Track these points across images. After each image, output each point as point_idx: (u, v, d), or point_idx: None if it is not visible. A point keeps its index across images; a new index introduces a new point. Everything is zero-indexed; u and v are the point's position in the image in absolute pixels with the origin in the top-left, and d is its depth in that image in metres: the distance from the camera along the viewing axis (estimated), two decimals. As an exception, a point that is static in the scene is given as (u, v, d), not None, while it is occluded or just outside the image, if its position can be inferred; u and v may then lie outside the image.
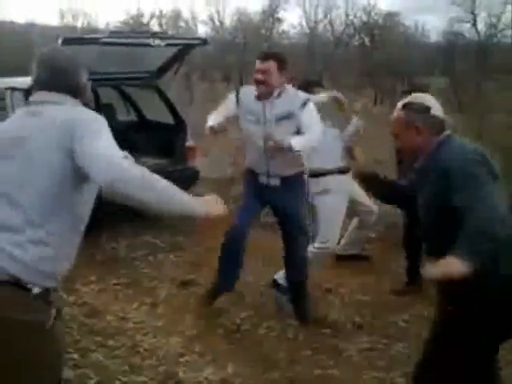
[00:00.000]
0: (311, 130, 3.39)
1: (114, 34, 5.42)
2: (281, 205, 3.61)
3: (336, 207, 4.05)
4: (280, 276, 3.93)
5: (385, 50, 19.57)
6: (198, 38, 6.32)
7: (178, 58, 5.81)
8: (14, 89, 5.67)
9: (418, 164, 2.19)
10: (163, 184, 1.64)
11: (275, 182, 3.55)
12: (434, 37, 27.72)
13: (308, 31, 21.95)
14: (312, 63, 18.66)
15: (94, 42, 5.11)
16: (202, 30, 25.27)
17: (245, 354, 3.24)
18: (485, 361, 2.09)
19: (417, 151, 2.16)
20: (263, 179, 3.58)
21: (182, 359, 3.17)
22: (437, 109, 2.16)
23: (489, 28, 21.10)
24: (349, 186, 4.09)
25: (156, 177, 1.64)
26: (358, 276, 4.32)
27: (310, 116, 3.42)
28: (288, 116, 3.39)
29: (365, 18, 21.21)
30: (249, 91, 3.57)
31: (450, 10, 31.97)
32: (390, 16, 21.19)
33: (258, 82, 3.44)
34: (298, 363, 3.13)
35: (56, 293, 1.77)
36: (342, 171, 4.11)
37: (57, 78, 1.93)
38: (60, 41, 4.65)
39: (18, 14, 52.13)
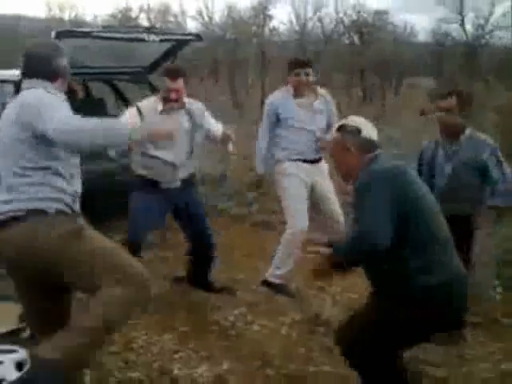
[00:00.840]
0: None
1: (107, 28, 5.38)
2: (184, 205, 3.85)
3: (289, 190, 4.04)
4: (270, 274, 3.97)
5: (374, 48, 19.65)
6: (193, 34, 6.29)
7: (171, 53, 5.79)
8: (3, 81, 5.62)
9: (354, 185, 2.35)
10: (93, 122, 2.16)
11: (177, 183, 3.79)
12: (423, 37, 27.89)
13: (298, 28, 21.96)
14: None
15: (87, 35, 5.07)
16: (192, 25, 25.19)
17: (239, 350, 3.25)
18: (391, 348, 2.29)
19: (349, 171, 2.36)
20: (165, 184, 3.77)
21: (176, 355, 3.18)
22: (368, 130, 2.36)
23: (476, 29, 21.27)
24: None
25: (89, 120, 2.16)
26: (348, 275, 4.34)
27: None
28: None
29: (354, 17, 21.27)
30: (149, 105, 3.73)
31: (438, 10, 32.24)
32: (379, 14, 21.26)
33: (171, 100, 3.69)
34: (292, 360, 3.15)
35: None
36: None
37: (33, 66, 2.39)
38: (53, 34, 4.60)
39: (5, 6, 51.46)
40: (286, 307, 3.81)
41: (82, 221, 2.38)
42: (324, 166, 4.15)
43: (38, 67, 2.39)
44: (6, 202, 2.24)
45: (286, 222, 4.08)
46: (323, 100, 4.11)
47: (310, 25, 21.31)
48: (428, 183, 2.77)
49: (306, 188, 4.04)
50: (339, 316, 3.64)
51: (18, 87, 5.03)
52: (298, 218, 3.97)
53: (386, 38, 20.91)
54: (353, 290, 4.09)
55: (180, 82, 3.65)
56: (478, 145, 3.42)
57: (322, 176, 4.11)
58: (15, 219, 2.21)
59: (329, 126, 3.94)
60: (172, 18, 25.16)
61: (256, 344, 3.32)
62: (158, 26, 20.86)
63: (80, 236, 2.25)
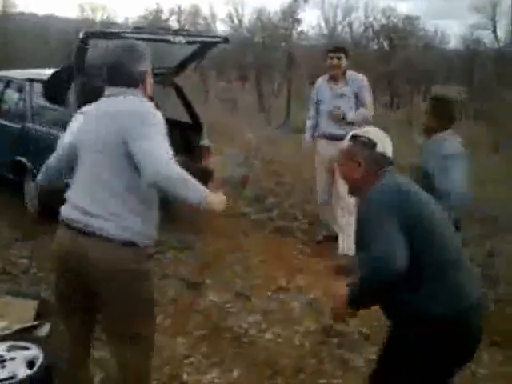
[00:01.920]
0: None
1: (136, 29, 5.41)
2: None
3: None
4: None
5: (403, 54, 19.44)
6: (219, 37, 6.30)
7: (198, 55, 5.81)
8: (32, 80, 5.71)
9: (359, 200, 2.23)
10: (193, 182, 2.05)
11: None
12: (454, 43, 27.50)
13: (326, 32, 21.87)
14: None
15: (115, 36, 5.12)
16: (221, 28, 25.28)
17: (250, 358, 3.23)
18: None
19: (355, 185, 2.21)
20: None
21: (186, 361, 3.17)
22: (382, 145, 2.17)
23: (509, 35, 20.87)
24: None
25: (188, 177, 2.04)
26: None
27: None
28: None
29: (384, 21, 21.08)
30: None
31: (470, 17, 31.69)
32: (410, 20, 21.05)
33: None
34: (303, 371, 3.12)
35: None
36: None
37: (114, 73, 2.23)
38: (81, 34, 4.66)
39: (38, 6, 52.48)
40: (301, 316, 3.77)
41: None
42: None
43: (124, 72, 2.23)
44: (105, 219, 2.12)
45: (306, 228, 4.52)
46: (351, 82, 4.78)
47: (339, 29, 21.20)
48: None
49: (327, 161, 4.87)
50: (353, 328, 3.61)
51: (46, 86, 5.13)
52: (319, 192, 5.13)
53: (415, 44, 20.68)
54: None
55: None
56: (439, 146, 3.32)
57: None
58: (104, 238, 2.13)
59: (357, 103, 4.79)
60: (202, 21, 25.33)
61: (268, 353, 3.30)
62: (187, 28, 21.00)
63: (148, 278, 2.27)
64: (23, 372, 2.65)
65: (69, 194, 2.27)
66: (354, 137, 2.21)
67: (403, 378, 2.06)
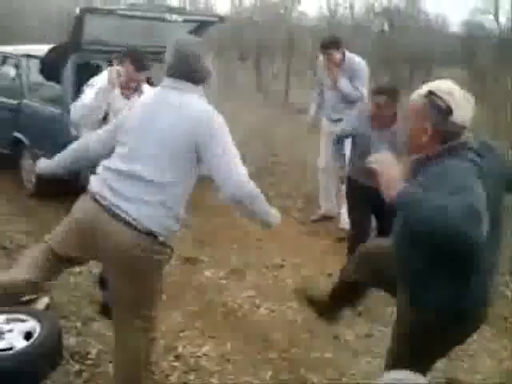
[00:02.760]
0: None
1: (132, 6, 5.39)
2: None
3: None
4: None
5: (404, 37, 19.29)
6: (215, 16, 6.28)
7: (195, 34, 5.79)
8: (29, 56, 5.70)
9: (413, 161, 1.93)
10: (263, 201, 2.20)
11: None
12: (455, 28, 27.28)
13: (327, 14, 21.66)
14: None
15: (111, 13, 5.10)
16: (221, 7, 25.04)
17: (244, 333, 3.29)
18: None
19: (413, 146, 1.92)
20: None
21: (182, 334, 3.23)
22: (461, 113, 1.82)
23: (510, 20, 20.70)
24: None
25: (260, 195, 2.18)
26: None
27: None
28: None
29: (386, 3, 20.88)
30: None
31: (471, 1, 31.51)
32: (412, 2, 20.85)
33: None
34: (296, 345, 3.18)
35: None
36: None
37: (180, 66, 2.24)
38: (78, 11, 4.64)
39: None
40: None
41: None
42: None
43: (192, 69, 2.25)
44: (135, 205, 2.16)
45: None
46: (347, 69, 4.77)
47: (340, 10, 21.00)
48: None
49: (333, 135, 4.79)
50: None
51: (42, 63, 5.12)
52: (321, 157, 5.28)
53: (416, 27, 20.50)
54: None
55: (142, 76, 3.49)
56: None
57: None
58: (137, 228, 2.16)
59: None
60: (202, 0, 25.05)
61: (261, 327, 3.36)
62: (186, 7, 20.80)
63: (159, 268, 2.28)
64: (20, 343, 2.70)
65: (103, 170, 2.28)
66: (429, 94, 1.85)
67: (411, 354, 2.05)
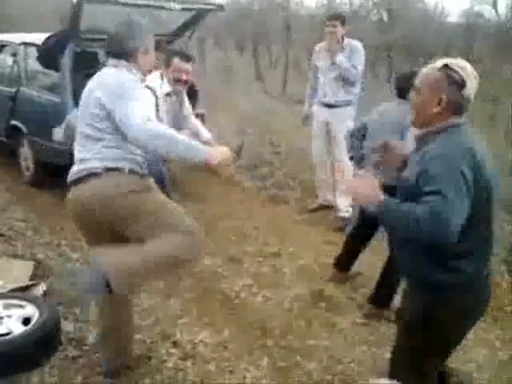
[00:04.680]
0: None
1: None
2: None
3: None
4: None
5: (402, 26, 19.20)
6: (214, 4, 6.25)
7: (193, 22, 5.78)
8: (26, 44, 5.67)
9: (420, 133, 2.03)
10: (174, 135, 2.24)
11: None
12: (454, 17, 27.18)
13: (325, 2, 21.54)
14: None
15: (109, 1, 5.09)
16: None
17: (241, 320, 3.32)
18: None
19: (424, 117, 1.99)
20: None
21: (179, 321, 3.26)
22: (471, 88, 1.93)
23: (509, 10, 20.61)
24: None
25: (171, 131, 2.25)
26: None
27: None
28: None
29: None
30: None
31: (471, -10, 31.27)
32: (410, -9, 20.74)
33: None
34: (292, 333, 3.21)
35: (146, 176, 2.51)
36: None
37: (112, 46, 2.46)
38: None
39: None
40: (291, 281, 3.85)
41: (150, 181, 2.58)
42: (342, 111, 4.91)
43: (118, 47, 2.46)
44: (82, 161, 2.41)
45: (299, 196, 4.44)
46: (346, 49, 4.81)
47: (338, -1, 20.88)
48: None
49: (323, 126, 5.05)
50: (342, 293, 3.70)
51: (40, 51, 5.11)
52: (315, 153, 5.24)
53: (414, 16, 20.41)
54: (359, 267, 4.12)
55: (190, 66, 3.83)
56: None
57: (337, 120, 4.92)
58: (91, 175, 2.37)
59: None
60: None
61: (258, 315, 3.39)
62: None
63: (149, 191, 2.45)
64: (19, 328, 2.72)
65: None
66: (444, 67, 1.94)
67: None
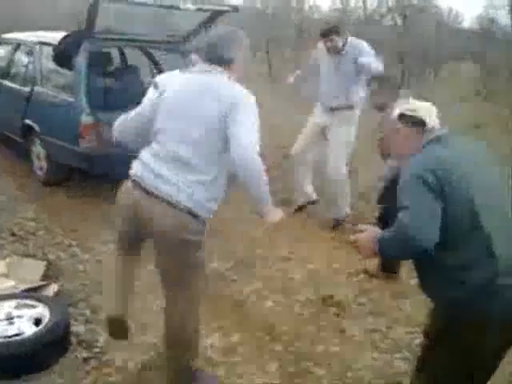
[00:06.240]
0: None
1: (145, -5, 5.38)
2: None
3: None
4: None
5: (416, 31, 19.12)
6: (229, 5, 6.26)
7: (207, 23, 5.78)
8: (42, 43, 5.71)
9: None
10: (264, 183, 2.30)
11: None
12: (468, 23, 27.00)
13: (340, 6, 21.52)
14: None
15: (126, 1, 5.11)
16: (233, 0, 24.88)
17: (250, 325, 3.31)
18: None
19: (402, 155, 2.13)
20: None
21: (188, 324, 3.24)
22: (432, 117, 2.10)
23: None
24: None
25: (261, 176, 2.27)
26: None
27: None
28: None
29: (399, -4, 20.70)
30: None
31: (486, -4, 31.09)
32: (424, -4, 20.65)
33: None
34: (302, 338, 3.19)
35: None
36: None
37: (211, 52, 2.44)
38: (91, -1, 4.64)
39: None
40: (301, 285, 3.84)
41: None
42: (345, 113, 4.82)
43: (218, 53, 2.44)
44: (166, 182, 2.31)
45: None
46: (350, 49, 4.68)
47: (352, 3, 20.87)
48: None
49: (318, 128, 5.00)
50: (352, 298, 3.68)
51: (56, 50, 5.14)
52: (296, 148, 5.14)
53: (428, 22, 20.33)
54: (369, 272, 4.09)
55: None
56: None
57: (336, 122, 4.84)
58: (175, 206, 2.30)
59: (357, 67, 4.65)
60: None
61: (268, 319, 3.37)
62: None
63: (199, 248, 2.46)
64: (30, 329, 2.73)
65: (144, 154, 2.42)
66: (402, 116, 2.13)
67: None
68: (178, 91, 2.40)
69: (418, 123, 2.09)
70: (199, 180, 2.32)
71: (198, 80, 2.41)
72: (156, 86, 2.49)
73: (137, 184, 2.38)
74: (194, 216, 2.33)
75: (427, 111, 2.12)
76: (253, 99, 2.36)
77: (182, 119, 2.34)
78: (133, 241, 2.59)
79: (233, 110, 2.27)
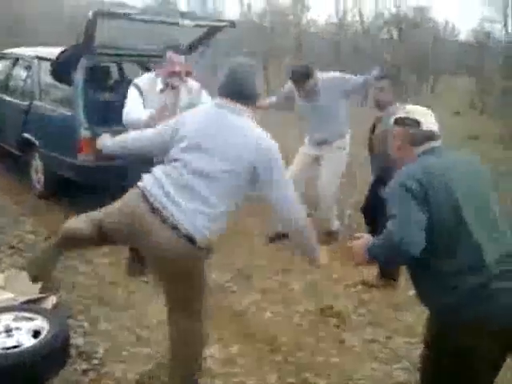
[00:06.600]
0: None
1: (143, 11, 5.44)
2: None
3: None
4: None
5: (412, 45, 19.31)
6: (226, 21, 6.31)
7: (205, 39, 5.82)
8: (40, 58, 5.75)
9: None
10: (311, 233, 2.47)
11: None
12: (463, 36, 27.23)
13: (336, 20, 21.72)
14: (338, 54, 18.48)
15: (124, 17, 5.15)
16: (230, 12, 25.12)
17: (250, 336, 3.30)
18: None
19: (398, 160, 2.20)
20: None
21: (188, 336, 3.23)
22: (427, 120, 2.16)
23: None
24: None
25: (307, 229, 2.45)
26: (363, 267, 4.33)
27: None
28: None
29: (394, 11, 20.93)
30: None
31: (481, 9, 31.40)
32: (420, 10, 20.89)
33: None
34: (301, 349, 3.18)
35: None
36: None
37: (236, 89, 2.37)
38: (90, 14, 4.68)
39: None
40: (301, 296, 3.84)
41: None
42: (332, 145, 4.74)
43: (247, 91, 2.40)
44: (182, 211, 2.27)
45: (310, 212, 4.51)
46: (323, 91, 4.51)
47: (349, 17, 21.07)
48: None
49: (309, 158, 4.87)
50: (351, 309, 3.68)
51: (53, 65, 5.17)
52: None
53: (425, 35, 20.54)
54: (368, 283, 4.10)
55: (183, 58, 3.88)
56: None
57: (329, 151, 4.75)
58: (187, 238, 2.28)
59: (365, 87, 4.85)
60: (211, 4, 25.16)
61: (267, 330, 3.37)
62: (196, 11, 20.89)
63: (200, 274, 2.48)
64: (29, 341, 2.72)
65: (156, 171, 2.39)
66: (397, 120, 2.20)
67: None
68: (203, 126, 2.37)
69: (412, 124, 2.14)
70: (208, 212, 2.29)
71: (223, 117, 2.37)
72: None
73: (145, 197, 2.33)
74: (193, 242, 2.28)
75: (421, 113, 2.18)
76: (277, 145, 2.40)
77: (203, 153, 2.32)
78: (111, 235, 2.47)
79: (271, 164, 2.32)
